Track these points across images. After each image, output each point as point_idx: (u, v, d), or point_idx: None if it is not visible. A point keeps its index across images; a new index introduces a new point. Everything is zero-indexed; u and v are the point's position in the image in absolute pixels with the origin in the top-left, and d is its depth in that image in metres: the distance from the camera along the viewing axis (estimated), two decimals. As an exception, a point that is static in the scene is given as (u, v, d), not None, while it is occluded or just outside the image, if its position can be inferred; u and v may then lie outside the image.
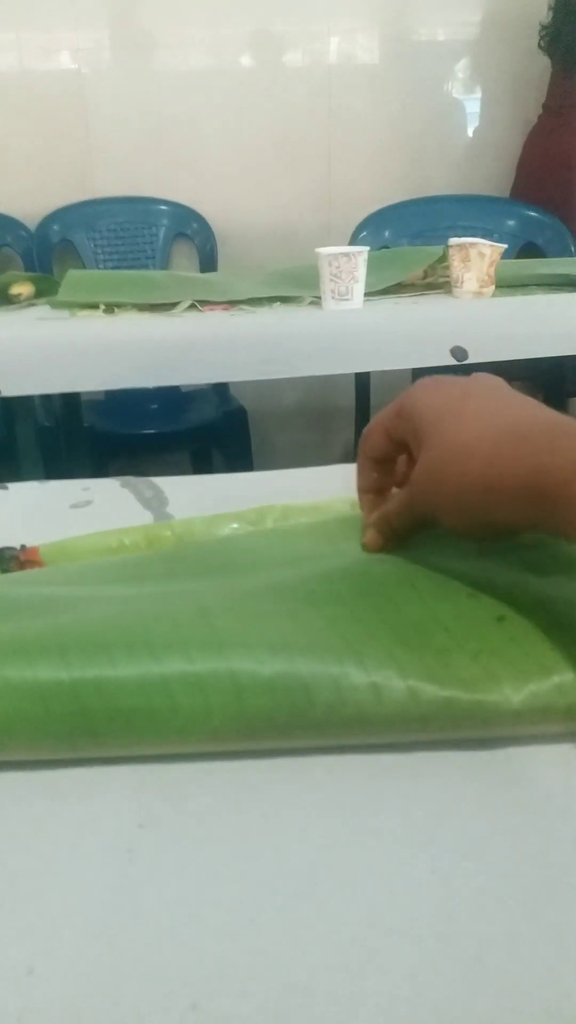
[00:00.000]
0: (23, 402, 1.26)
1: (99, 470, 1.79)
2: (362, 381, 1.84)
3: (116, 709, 0.32)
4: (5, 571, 0.46)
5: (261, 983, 0.24)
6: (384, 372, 1.92)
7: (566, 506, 0.32)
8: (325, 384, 2.27)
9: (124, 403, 2.03)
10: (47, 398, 1.69)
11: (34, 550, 0.47)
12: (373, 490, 0.47)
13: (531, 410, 0.39)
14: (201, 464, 2.12)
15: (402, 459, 0.47)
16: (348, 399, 1.97)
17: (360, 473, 0.47)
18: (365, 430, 0.47)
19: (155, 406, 2.10)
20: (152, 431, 2.00)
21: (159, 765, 0.33)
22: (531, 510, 0.34)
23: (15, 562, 0.46)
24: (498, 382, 0.43)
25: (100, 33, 2.01)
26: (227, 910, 0.27)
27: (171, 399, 2.09)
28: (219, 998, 0.24)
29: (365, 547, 0.45)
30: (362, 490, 0.48)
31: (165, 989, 0.24)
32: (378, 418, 0.46)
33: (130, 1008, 0.24)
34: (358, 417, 1.86)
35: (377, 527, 0.44)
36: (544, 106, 2.04)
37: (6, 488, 0.60)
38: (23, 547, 0.47)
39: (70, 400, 1.50)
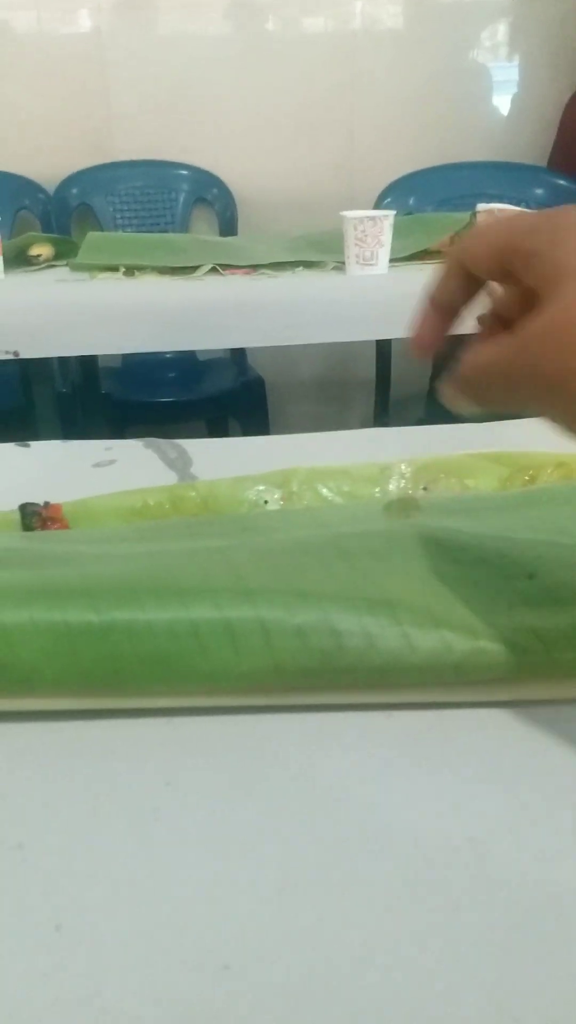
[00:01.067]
0: (41, 367, 1.25)
1: (116, 437, 1.78)
2: (383, 351, 1.81)
3: (145, 651, 0.32)
4: (27, 527, 0.45)
5: (293, 947, 0.24)
6: (404, 344, 1.89)
7: None
8: (344, 354, 2.25)
9: (141, 370, 2.01)
10: (65, 364, 1.68)
11: (57, 507, 0.46)
12: (441, 306, 0.35)
13: None
14: (217, 433, 2.10)
15: (500, 296, 0.34)
16: (367, 370, 1.94)
17: (441, 279, 0.35)
18: (472, 232, 0.35)
19: (172, 374, 2.08)
20: (169, 399, 1.99)
21: (185, 722, 0.33)
22: None
23: (37, 518, 0.45)
24: None
25: (120, -7, 1.97)
26: (257, 872, 0.26)
27: (188, 367, 2.08)
28: (251, 960, 0.23)
29: (443, 397, 0.34)
30: (431, 299, 0.35)
31: (196, 949, 0.24)
32: (494, 227, 0.33)
33: (161, 966, 0.23)
34: (378, 388, 1.84)
35: (462, 382, 0.33)
36: (584, 71, 1.98)
37: (28, 446, 0.59)
38: (46, 504, 0.46)
39: (88, 366, 1.49)
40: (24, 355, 0.97)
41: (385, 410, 1.84)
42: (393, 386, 1.84)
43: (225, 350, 2.08)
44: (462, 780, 0.30)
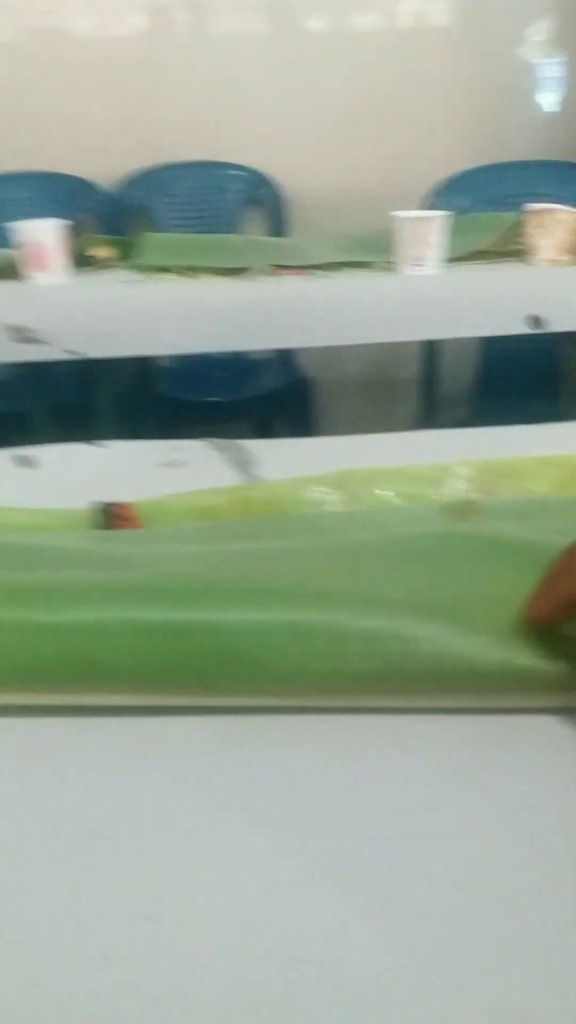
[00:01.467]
0: (105, 366, 1.28)
1: (168, 436, 1.80)
2: (431, 352, 1.82)
3: (224, 651, 0.33)
4: (102, 525, 0.48)
5: (360, 942, 0.25)
6: (450, 345, 1.89)
7: None
8: (389, 354, 2.25)
9: (191, 370, 2.04)
10: (121, 363, 1.71)
11: (129, 506, 0.49)
12: (552, 620, 0.33)
13: None
14: (263, 434, 2.12)
15: None
16: (411, 370, 1.95)
17: (551, 588, 0.33)
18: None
19: (221, 374, 2.11)
20: (217, 399, 2.02)
21: (258, 720, 0.34)
22: None
23: (113, 517, 0.48)
24: None
25: (174, -6, 2.00)
26: (326, 867, 0.27)
27: (237, 367, 2.10)
28: (322, 955, 0.24)
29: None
30: (544, 615, 0.33)
31: (268, 942, 0.25)
32: None
33: (238, 957, 0.24)
34: (424, 388, 1.84)
35: None
36: None
37: (103, 446, 0.62)
38: (119, 504, 0.49)
39: (144, 365, 1.51)
40: (91, 355, 1.00)
41: (431, 410, 1.85)
42: (438, 385, 1.84)
43: (273, 350, 2.10)
44: (517, 785, 0.30)
